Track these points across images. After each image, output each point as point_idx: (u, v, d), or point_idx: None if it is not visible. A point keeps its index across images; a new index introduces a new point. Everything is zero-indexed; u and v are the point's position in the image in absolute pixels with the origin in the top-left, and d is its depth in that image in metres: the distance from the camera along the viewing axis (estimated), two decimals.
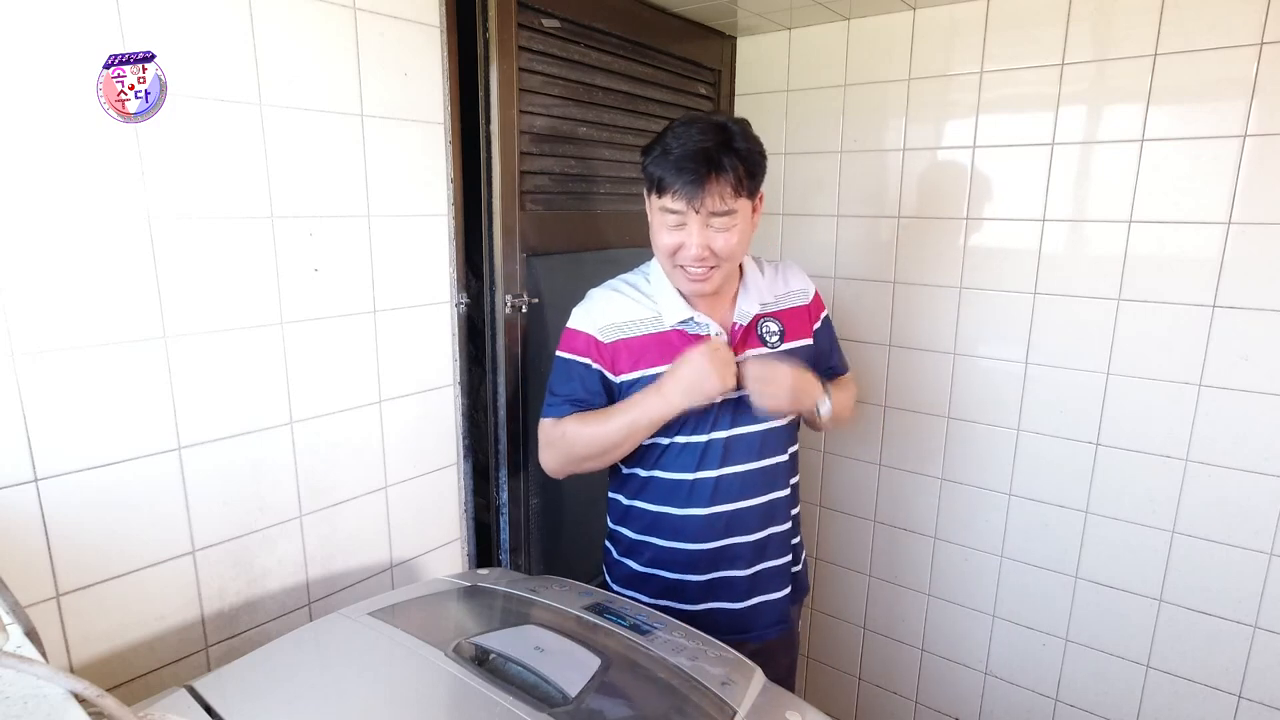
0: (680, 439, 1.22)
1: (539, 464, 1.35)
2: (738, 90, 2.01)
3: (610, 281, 1.28)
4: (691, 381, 1.11)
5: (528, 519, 1.57)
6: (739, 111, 2.01)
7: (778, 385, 1.15)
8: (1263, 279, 1.38)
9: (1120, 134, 1.48)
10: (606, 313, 1.22)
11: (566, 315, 1.58)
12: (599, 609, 1.05)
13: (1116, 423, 1.58)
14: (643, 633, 0.99)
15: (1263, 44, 1.33)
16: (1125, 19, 1.44)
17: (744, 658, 0.98)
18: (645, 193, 1.19)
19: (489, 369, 1.48)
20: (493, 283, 1.44)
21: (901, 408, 1.88)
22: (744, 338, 1.23)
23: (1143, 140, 1.46)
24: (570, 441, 1.20)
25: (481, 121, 1.39)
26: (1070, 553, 1.68)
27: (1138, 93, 1.45)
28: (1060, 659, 1.75)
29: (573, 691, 0.81)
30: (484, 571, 1.20)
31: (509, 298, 1.44)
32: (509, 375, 1.46)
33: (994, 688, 1.86)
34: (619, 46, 1.65)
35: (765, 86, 1.96)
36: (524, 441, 1.52)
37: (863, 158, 1.83)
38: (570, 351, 1.23)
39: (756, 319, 1.24)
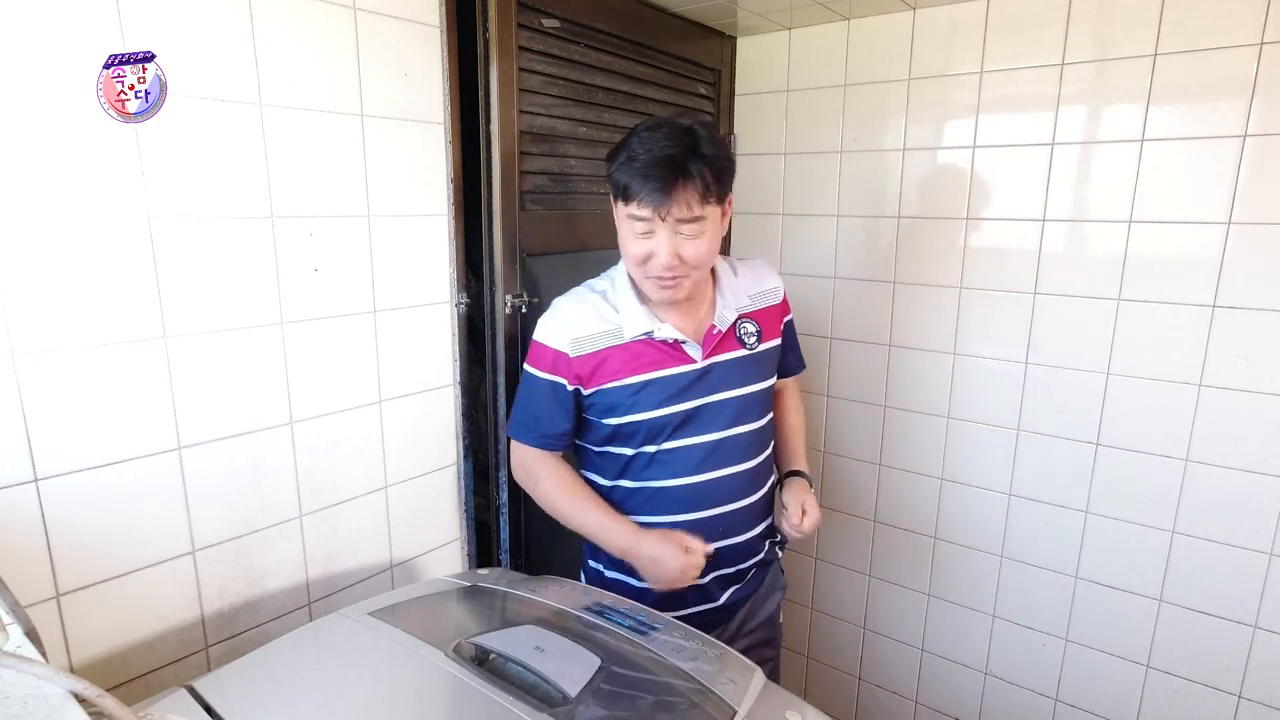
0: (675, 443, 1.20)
1: None
2: (738, 90, 2.01)
3: (576, 289, 1.26)
4: (652, 570, 1.15)
5: (528, 519, 1.57)
6: (739, 111, 2.01)
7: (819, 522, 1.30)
8: (1263, 279, 1.38)
9: (1120, 134, 1.48)
10: (572, 325, 1.19)
11: None
12: (599, 609, 1.05)
13: (1116, 423, 1.58)
14: (642, 633, 0.99)
15: (1263, 44, 1.33)
16: (1125, 19, 1.44)
17: (744, 658, 0.98)
18: (611, 199, 1.17)
19: (489, 369, 1.48)
20: (493, 283, 1.44)
21: (901, 408, 1.88)
22: (723, 341, 1.22)
23: (1143, 140, 1.46)
24: (540, 492, 1.25)
25: (481, 121, 1.39)
26: (1070, 553, 1.68)
27: (1138, 93, 1.45)
28: (1060, 659, 1.75)
29: (573, 691, 0.81)
30: (484, 571, 1.20)
31: (509, 298, 1.44)
32: (509, 375, 1.46)
33: (994, 688, 1.86)
34: (619, 46, 1.65)
35: (765, 86, 1.95)
36: None
37: (863, 158, 1.83)
38: (538, 368, 1.20)
39: (735, 321, 1.24)
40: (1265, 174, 1.35)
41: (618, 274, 1.24)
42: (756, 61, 1.96)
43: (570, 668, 0.85)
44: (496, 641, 0.90)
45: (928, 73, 1.70)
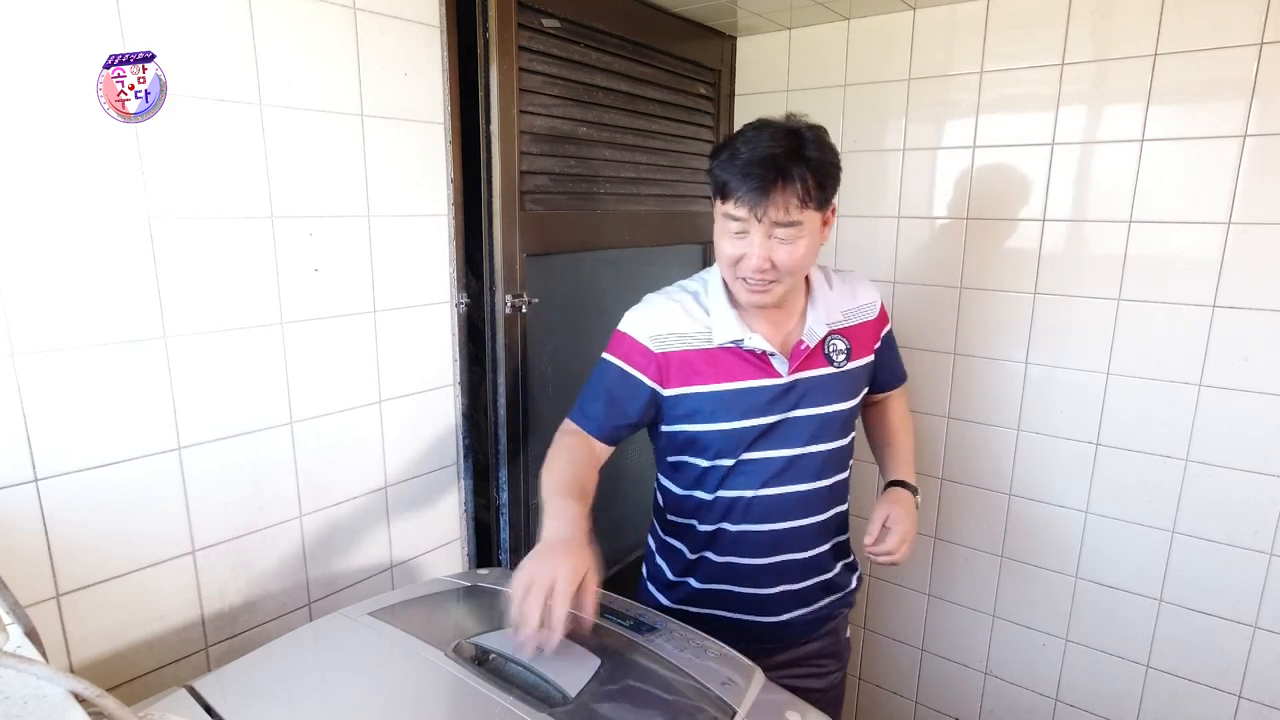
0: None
1: (539, 464, 1.33)
2: (738, 90, 2.01)
3: (668, 288, 1.23)
4: (541, 561, 0.89)
5: (528, 519, 1.57)
6: (739, 112, 2.01)
7: (911, 540, 1.26)
8: (1263, 279, 1.38)
9: (1120, 134, 1.48)
10: (659, 321, 1.16)
11: (567, 315, 1.57)
12: (599, 608, 1.05)
13: (1116, 423, 1.58)
14: (643, 633, 0.99)
15: (1263, 44, 1.33)
16: (1125, 19, 1.44)
17: (744, 658, 0.98)
18: (711, 197, 1.13)
19: (489, 369, 1.48)
20: (493, 283, 1.44)
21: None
22: (810, 357, 1.16)
23: (1143, 140, 1.46)
24: (544, 464, 1.12)
25: (481, 121, 1.39)
26: (1070, 552, 1.68)
27: (1138, 93, 1.45)
28: (1060, 659, 1.75)
29: (573, 691, 0.81)
30: (484, 571, 1.20)
31: (509, 298, 1.44)
32: (509, 375, 1.46)
33: (994, 688, 1.86)
34: (619, 46, 1.65)
35: (765, 86, 1.95)
36: (524, 441, 1.52)
37: (862, 158, 1.83)
38: (617, 355, 1.16)
39: (825, 338, 1.18)
40: (1265, 174, 1.35)
41: (711, 276, 1.20)
42: (756, 61, 1.96)
43: (570, 668, 0.85)
44: (496, 641, 0.90)
45: (928, 73, 1.70)
